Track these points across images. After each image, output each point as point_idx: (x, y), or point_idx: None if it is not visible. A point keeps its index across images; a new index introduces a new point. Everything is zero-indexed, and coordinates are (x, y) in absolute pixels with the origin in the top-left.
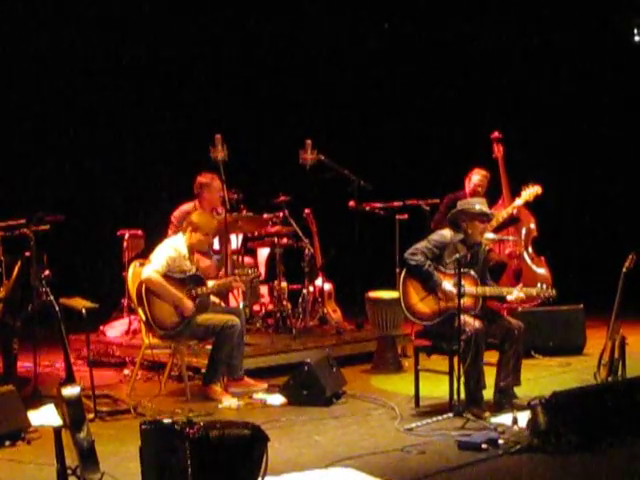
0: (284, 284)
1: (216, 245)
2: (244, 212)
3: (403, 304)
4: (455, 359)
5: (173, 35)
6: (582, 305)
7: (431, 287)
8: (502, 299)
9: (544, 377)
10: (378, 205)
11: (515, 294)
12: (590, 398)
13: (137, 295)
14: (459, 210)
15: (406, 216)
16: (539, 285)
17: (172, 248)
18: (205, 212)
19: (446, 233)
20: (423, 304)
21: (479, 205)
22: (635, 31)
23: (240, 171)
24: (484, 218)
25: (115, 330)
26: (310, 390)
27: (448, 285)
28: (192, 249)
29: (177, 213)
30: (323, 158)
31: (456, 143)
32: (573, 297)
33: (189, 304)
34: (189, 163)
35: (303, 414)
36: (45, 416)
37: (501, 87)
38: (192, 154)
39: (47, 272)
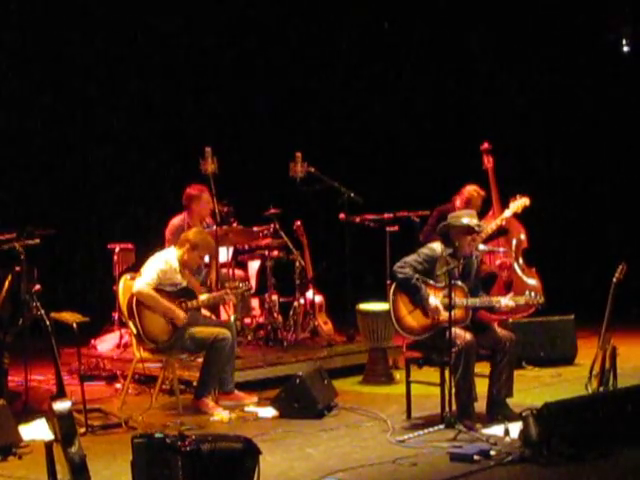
0: (275, 297)
1: (206, 259)
2: (234, 225)
3: (393, 317)
4: (446, 371)
5: (163, 48)
6: (573, 316)
7: (417, 301)
8: (492, 309)
9: (535, 388)
10: (368, 217)
11: (504, 303)
12: (582, 409)
13: (128, 308)
14: (447, 224)
15: (396, 228)
16: (527, 293)
17: (163, 261)
18: (203, 230)
19: (436, 247)
20: (411, 317)
21: (467, 219)
22: (624, 41)
23: (230, 184)
24: (471, 232)
25: (106, 344)
26: (302, 403)
27: (434, 300)
28: (184, 265)
29: (170, 228)
30: (313, 171)
31: (446, 155)
32: (564, 308)
33: (181, 313)
34: (179, 176)
35: (295, 427)
36: (36, 430)
37: (491, 98)
38: (182, 167)
39: (37, 286)
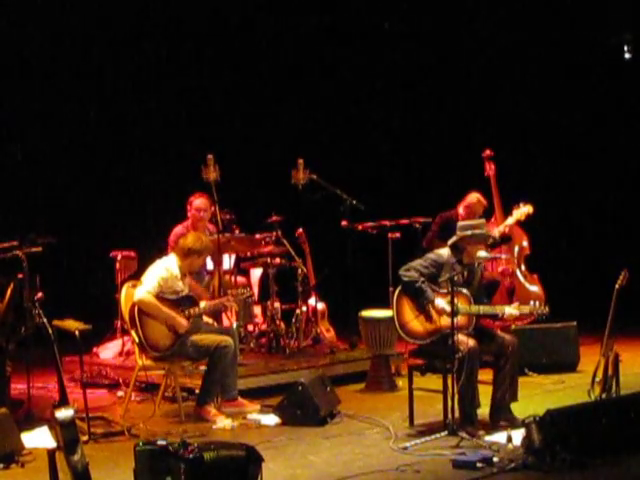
0: (277, 304)
1: (209, 266)
2: (236, 232)
3: (397, 322)
4: (449, 378)
5: (166, 55)
6: (575, 322)
7: (423, 304)
8: (495, 317)
9: (538, 395)
10: (370, 224)
11: (508, 312)
12: (584, 416)
13: (130, 317)
14: (471, 235)
15: (398, 235)
16: (532, 303)
17: (164, 269)
18: (198, 234)
19: (443, 253)
20: (417, 322)
21: (482, 230)
22: (626, 48)
23: (232, 191)
24: (489, 243)
25: (108, 351)
26: (304, 410)
27: (440, 301)
28: (190, 271)
29: (172, 237)
30: (315, 177)
31: (448, 161)
32: (566, 314)
33: (183, 321)
34: (181, 183)
35: (297, 434)
36: (39, 438)
37: (493, 105)
38: (184, 174)
39: (40, 294)
